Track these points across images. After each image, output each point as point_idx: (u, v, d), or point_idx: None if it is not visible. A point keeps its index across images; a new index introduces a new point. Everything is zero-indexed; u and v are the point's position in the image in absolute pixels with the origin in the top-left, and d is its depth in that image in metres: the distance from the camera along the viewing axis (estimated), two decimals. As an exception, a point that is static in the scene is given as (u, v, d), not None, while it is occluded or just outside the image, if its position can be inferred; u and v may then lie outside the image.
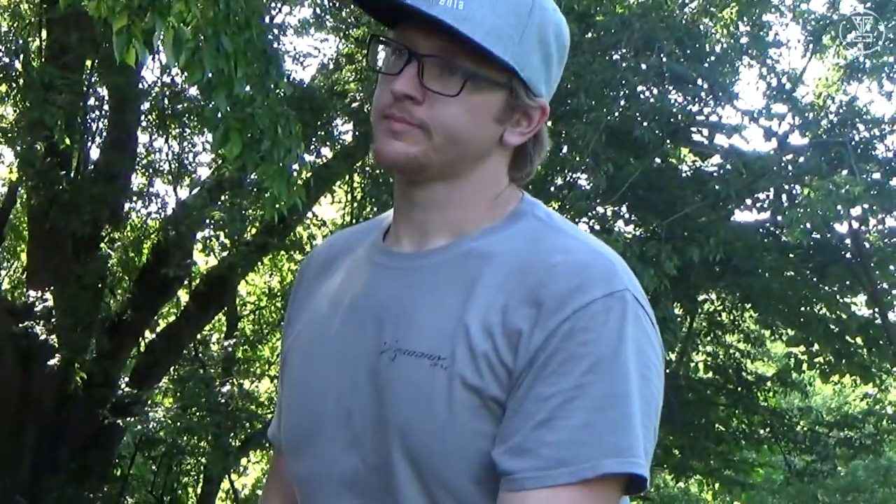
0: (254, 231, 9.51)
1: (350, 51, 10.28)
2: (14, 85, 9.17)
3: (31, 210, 9.51)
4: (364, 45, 9.61)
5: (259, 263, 11.10)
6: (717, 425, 12.04)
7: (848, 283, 10.76)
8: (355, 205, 10.61)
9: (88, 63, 9.28)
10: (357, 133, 9.76)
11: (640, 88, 9.11)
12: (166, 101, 9.64)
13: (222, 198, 9.31)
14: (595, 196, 9.05)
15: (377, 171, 9.73)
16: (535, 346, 1.13)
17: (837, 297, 11.00)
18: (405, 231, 1.28)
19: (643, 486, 1.14)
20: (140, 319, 9.75)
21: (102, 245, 9.57)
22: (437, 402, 1.15)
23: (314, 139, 9.58)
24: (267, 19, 8.44)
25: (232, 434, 9.58)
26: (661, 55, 8.55)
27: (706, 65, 9.32)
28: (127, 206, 10.21)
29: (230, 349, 10.43)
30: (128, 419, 8.55)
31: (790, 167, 9.38)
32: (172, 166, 10.13)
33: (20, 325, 8.48)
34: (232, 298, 11.12)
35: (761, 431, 12.40)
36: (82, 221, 8.70)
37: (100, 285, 9.45)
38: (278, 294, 12.05)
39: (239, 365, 11.24)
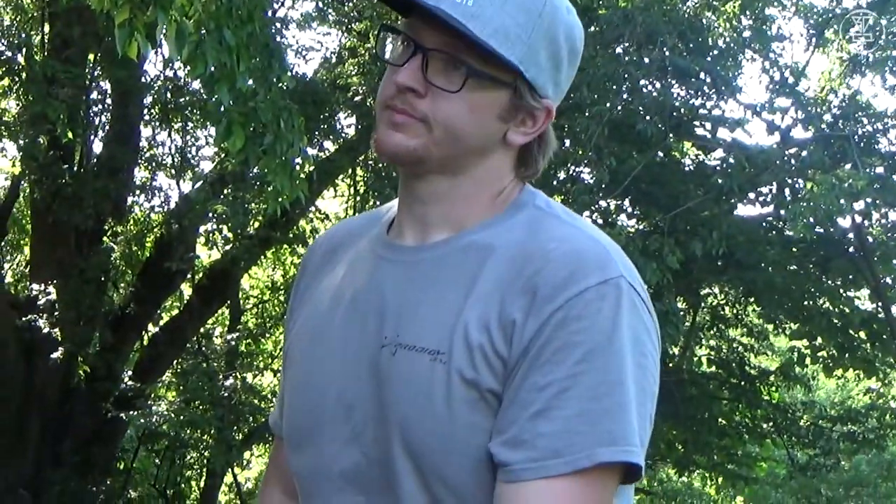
0: (257, 225, 9.51)
1: (353, 44, 10.26)
2: (17, 79, 9.17)
3: (34, 204, 9.51)
4: (366, 38, 9.62)
5: (262, 257, 11.11)
6: (720, 419, 12.01)
7: (851, 277, 10.74)
8: (358, 198, 10.61)
9: (91, 57, 9.28)
10: (360, 127, 9.76)
11: (642, 82, 9.08)
12: (169, 95, 9.64)
13: (225, 191, 9.31)
14: (598, 190, 9.03)
15: (380, 165, 9.74)
16: (529, 335, 1.13)
17: (841, 291, 10.98)
18: (408, 224, 1.28)
19: (639, 475, 1.14)
20: (143, 313, 9.75)
21: (105, 238, 9.59)
22: (437, 397, 1.15)
23: (317, 133, 9.59)
24: (269, 13, 8.43)
25: (235, 428, 9.61)
26: (664, 49, 8.53)
27: (709, 58, 9.30)
28: (130, 199, 10.22)
29: (233, 343, 10.47)
30: (131, 412, 8.58)
31: (793, 161, 9.36)
32: (175, 160, 10.13)
33: (23, 318, 8.48)
34: (235, 292, 11.14)
35: (764, 426, 12.39)
36: (85, 215, 8.71)
37: (103, 279, 9.47)
38: (281, 287, 12.06)
39: (242, 358, 11.27)
